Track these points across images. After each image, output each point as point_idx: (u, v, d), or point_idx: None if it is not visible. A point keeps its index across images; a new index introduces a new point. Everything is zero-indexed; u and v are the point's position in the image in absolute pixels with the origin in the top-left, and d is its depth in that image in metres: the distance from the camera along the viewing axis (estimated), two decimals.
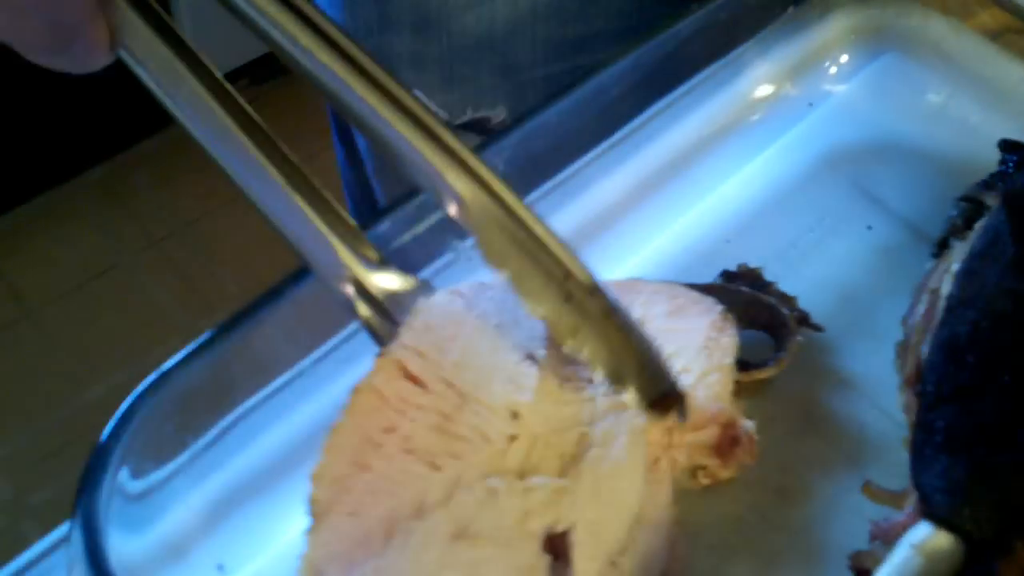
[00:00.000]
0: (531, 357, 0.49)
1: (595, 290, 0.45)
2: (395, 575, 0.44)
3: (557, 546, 0.46)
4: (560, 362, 0.50)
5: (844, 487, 0.55)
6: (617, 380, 0.46)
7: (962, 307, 0.51)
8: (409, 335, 0.49)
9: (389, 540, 0.45)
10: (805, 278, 0.62)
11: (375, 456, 0.46)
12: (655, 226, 0.66)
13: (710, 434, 0.52)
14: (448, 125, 0.46)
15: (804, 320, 0.59)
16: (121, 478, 0.47)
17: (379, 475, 0.46)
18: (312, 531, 0.45)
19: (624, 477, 0.48)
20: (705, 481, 0.53)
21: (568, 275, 0.46)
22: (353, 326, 0.54)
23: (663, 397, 0.47)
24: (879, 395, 0.58)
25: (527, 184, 0.63)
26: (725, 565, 0.53)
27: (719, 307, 0.55)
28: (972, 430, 0.47)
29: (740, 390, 0.55)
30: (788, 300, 0.60)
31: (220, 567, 0.52)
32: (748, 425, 0.52)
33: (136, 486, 0.49)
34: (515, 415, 0.47)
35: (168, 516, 0.50)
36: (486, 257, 0.46)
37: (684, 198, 0.67)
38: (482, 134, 0.77)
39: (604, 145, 0.66)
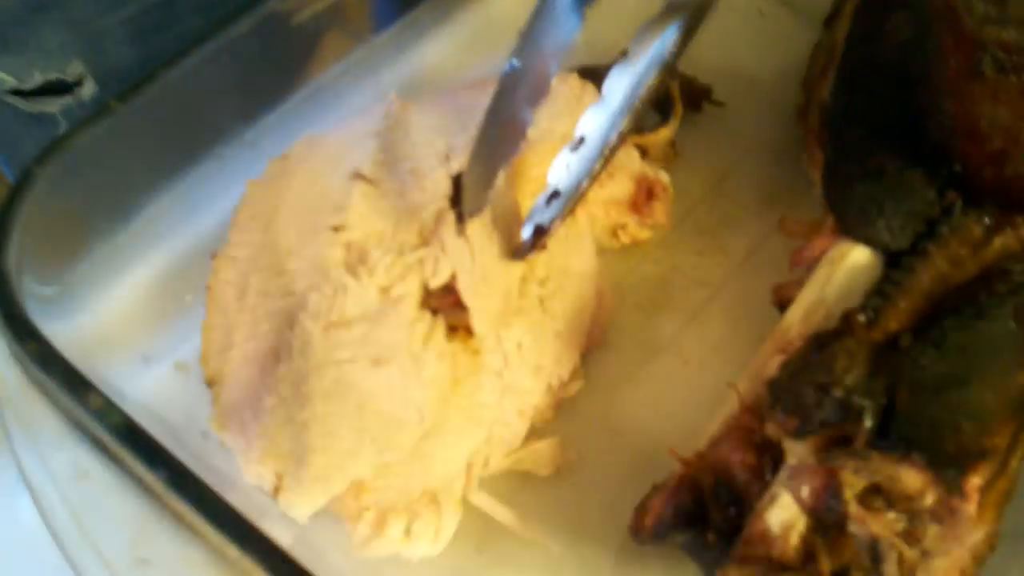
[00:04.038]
0: (358, 175, 0.51)
1: None
2: (298, 377, 0.45)
3: (444, 299, 0.47)
4: (400, 159, 0.52)
5: (759, 242, 0.56)
6: None
7: (862, 42, 0.52)
8: (234, 232, 0.52)
9: (277, 360, 0.46)
10: (705, 61, 0.62)
11: (238, 318, 0.49)
12: None
13: (626, 189, 0.52)
14: None
15: (707, 93, 0.60)
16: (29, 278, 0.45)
17: (247, 324, 0.48)
18: (214, 399, 0.47)
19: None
20: (625, 240, 0.54)
21: None
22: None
23: None
24: (785, 158, 0.59)
25: None
26: (652, 321, 0.53)
27: (572, 75, 0.56)
28: (882, 147, 0.48)
29: (648, 155, 0.55)
30: (689, 78, 0.60)
31: (145, 358, 0.50)
32: (662, 177, 0.53)
33: (47, 289, 0.47)
34: (337, 229, 0.49)
35: (89, 311, 0.48)
36: None
37: None
38: (63, 94, 0.68)
39: None
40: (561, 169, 0.47)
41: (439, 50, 0.64)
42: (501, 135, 0.45)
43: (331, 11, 0.58)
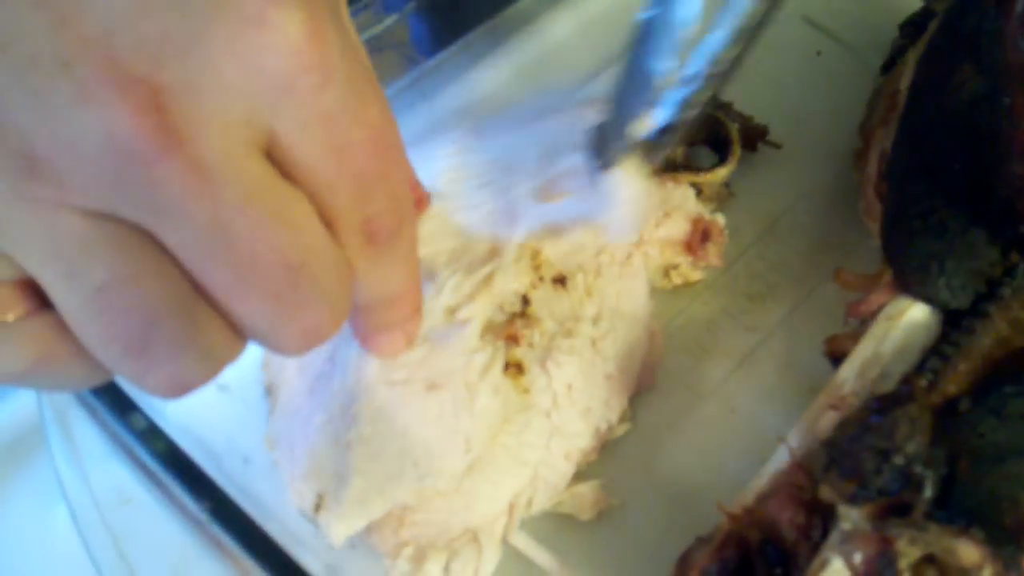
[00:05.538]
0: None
1: None
2: (350, 396, 0.45)
3: (501, 332, 0.47)
4: (472, 175, 0.52)
5: (811, 289, 0.55)
6: None
7: (927, 94, 0.51)
8: None
9: (333, 376, 0.46)
10: (761, 101, 0.62)
11: None
12: (607, 58, 0.65)
13: (681, 230, 0.51)
14: None
15: (763, 134, 0.59)
16: None
17: None
18: (271, 409, 0.47)
19: None
20: (678, 280, 0.53)
21: None
22: None
23: None
24: (840, 204, 0.58)
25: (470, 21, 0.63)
26: (700, 365, 0.52)
27: None
28: (945, 204, 0.47)
29: (702, 195, 0.54)
30: (745, 117, 0.59)
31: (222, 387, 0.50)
32: (718, 219, 0.52)
33: None
34: None
35: None
36: None
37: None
38: None
39: None
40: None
41: (492, 77, 0.63)
42: (634, 86, 0.44)
43: (381, 36, 0.58)
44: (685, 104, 0.43)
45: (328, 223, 0.29)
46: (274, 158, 0.28)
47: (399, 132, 0.36)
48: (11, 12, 0.24)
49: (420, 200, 0.47)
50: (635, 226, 0.49)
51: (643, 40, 0.42)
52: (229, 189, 0.26)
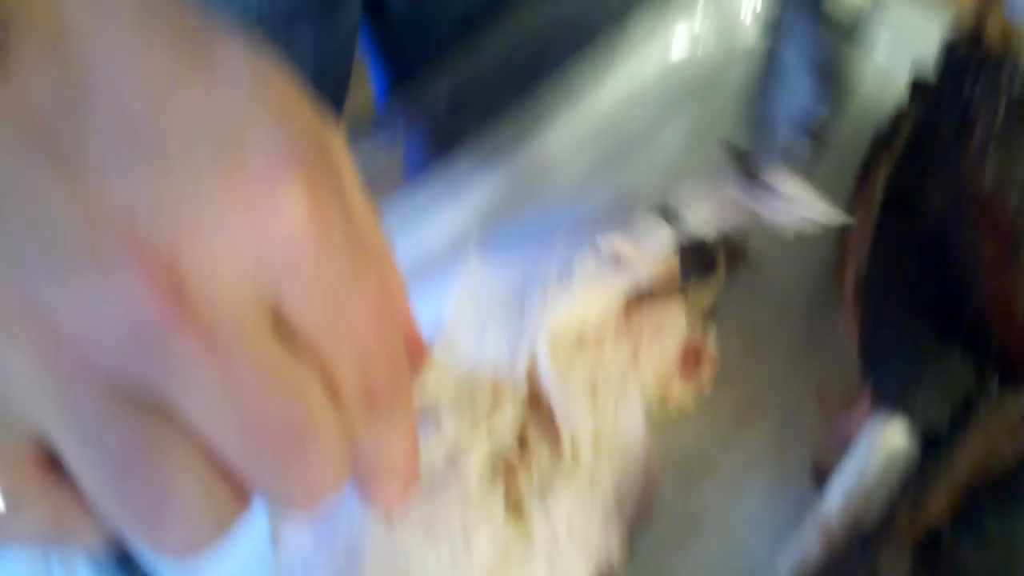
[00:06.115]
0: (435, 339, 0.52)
1: None
2: (354, 541, 0.46)
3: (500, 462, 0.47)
4: (480, 313, 0.53)
5: (795, 405, 0.56)
6: None
7: (897, 214, 0.53)
8: None
9: (336, 523, 0.46)
10: None
11: None
12: (599, 171, 0.68)
13: (673, 351, 0.52)
14: None
15: (742, 250, 0.60)
16: None
17: None
18: (275, 561, 0.48)
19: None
20: (672, 410, 0.54)
21: None
22: None
23: None
24: (822, 315, 0.59)
25: (462, 138, 0.64)
26: (689, 493, 0.53)
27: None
28: (920, 320, 0.49)
29: (687, 312, 0.55)
30: (726, 235, 0.60)
31: None
32: (710, 341, 0.53)
33: None
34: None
35: None
36: None
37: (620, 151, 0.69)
38: None
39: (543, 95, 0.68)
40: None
41: (484, 197, 0.65)
42: (775, 81, 0.46)
43: (365, 164, 0.60)
44: (828, 120, 0.45)
45: (330, 389, 0.31)
46: (280, 329, 0.29)
47: (402, 289, 0.37)
48: (40, 188, 0.25)
49: (419, 353, 0.48)
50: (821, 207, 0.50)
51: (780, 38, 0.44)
52: (240, 362, 0.27)
